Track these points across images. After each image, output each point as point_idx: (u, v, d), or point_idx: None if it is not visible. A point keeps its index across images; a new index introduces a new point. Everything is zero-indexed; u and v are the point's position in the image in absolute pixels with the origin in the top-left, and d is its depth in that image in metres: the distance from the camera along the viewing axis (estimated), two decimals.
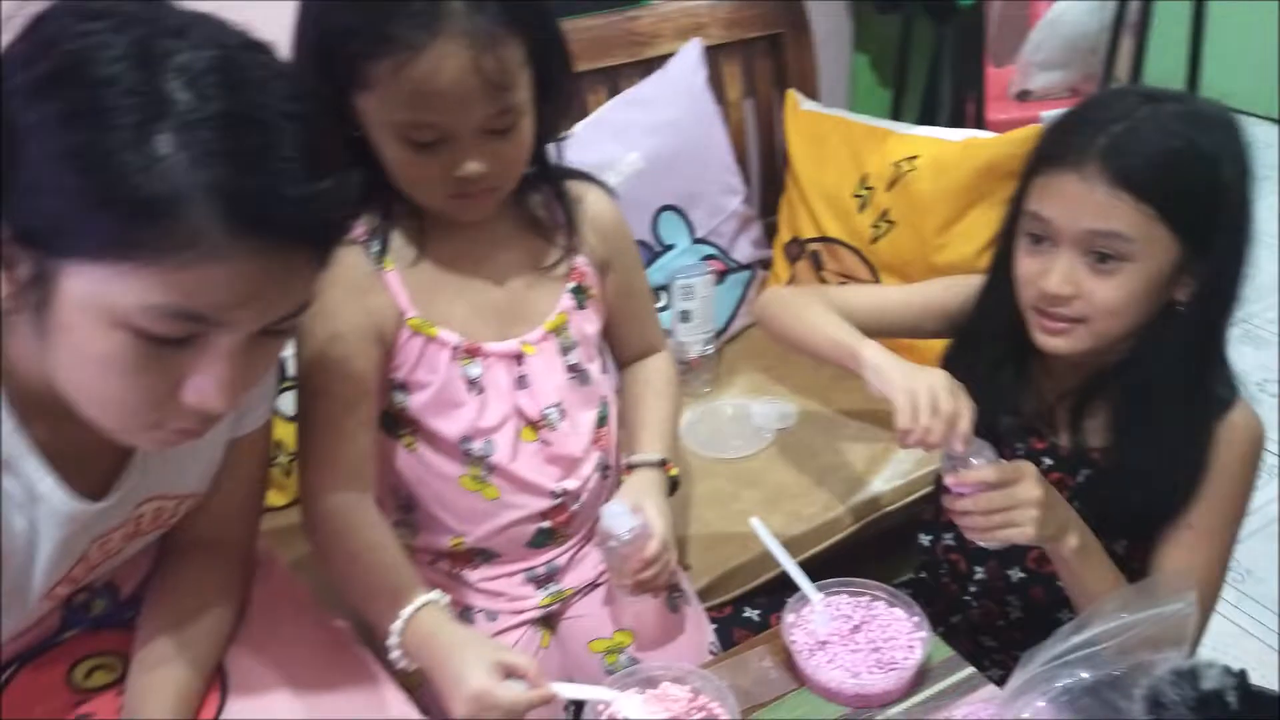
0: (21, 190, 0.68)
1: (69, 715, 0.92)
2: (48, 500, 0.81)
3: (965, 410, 1.05)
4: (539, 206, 1.14)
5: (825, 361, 1.24)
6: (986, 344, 1.18)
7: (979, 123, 2.10)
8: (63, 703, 0.92)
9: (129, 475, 0.87)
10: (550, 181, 1.13)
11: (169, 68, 0.66)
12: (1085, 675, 0.79)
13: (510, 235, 1.13)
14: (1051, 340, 1.07)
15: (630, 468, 1.19)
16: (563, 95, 1.07)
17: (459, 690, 0.91)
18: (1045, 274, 1.04)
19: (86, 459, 0.84)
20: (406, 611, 0.97)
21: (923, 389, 1.04)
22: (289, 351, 1.36)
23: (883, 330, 1.37)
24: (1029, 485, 1.01)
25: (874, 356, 1.13)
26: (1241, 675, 0.68)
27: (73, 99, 0.66)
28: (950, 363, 1.24)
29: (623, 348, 1.27)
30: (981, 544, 1.06)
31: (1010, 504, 1.01)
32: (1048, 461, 1.17)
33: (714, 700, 0.99)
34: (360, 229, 1.06)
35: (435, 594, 1.00)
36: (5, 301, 0.72)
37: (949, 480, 1.05)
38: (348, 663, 0.99)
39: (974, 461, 1.03)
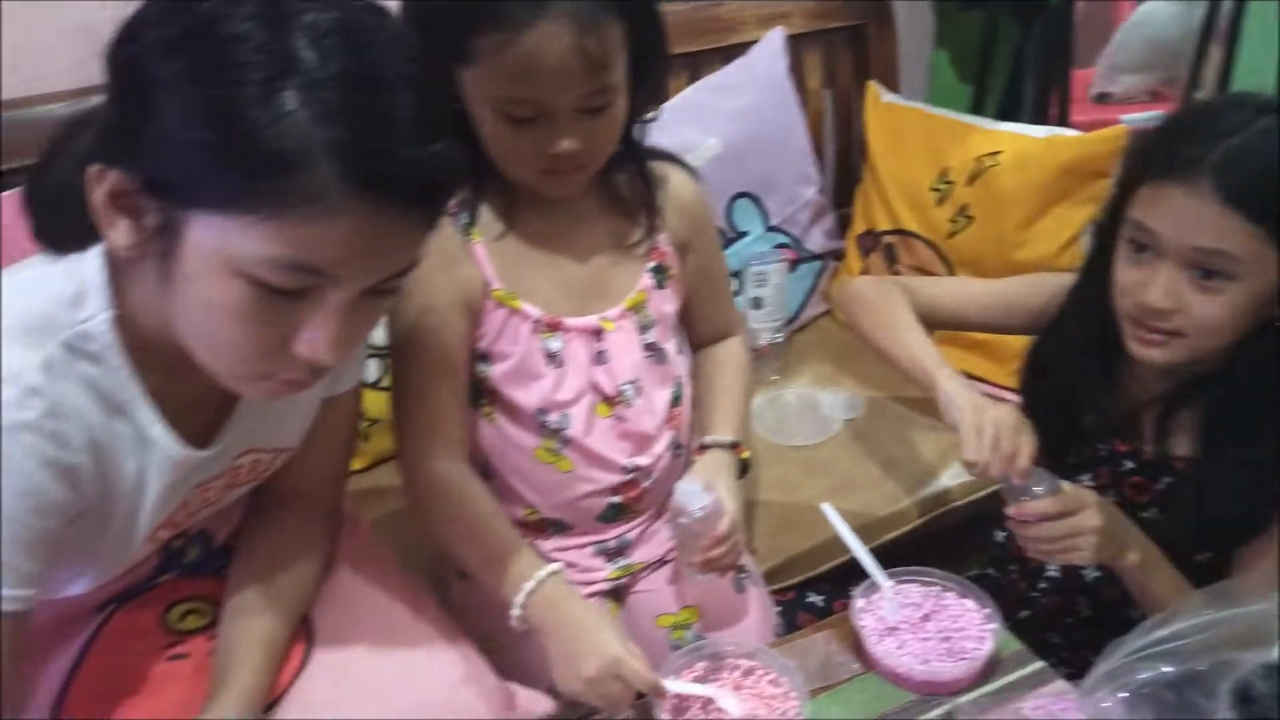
0: (152, 143, 0.70)
1: (163, 655, 0.95)
2: (157, 446, 0.84)
3: (1025, 449, 1.07)
4: (624, 186, 1.15)
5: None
6: (1074, 343, 1.17)
7: (1063, 122, 2.08)
8: (157, 643, 0.96)
9: (231, 426, 0.90)
10: (636, 161, 1.15)
11: (296, 27, 0.69)
12: (1167, 670, 0.79)
13: (595, 213, 1.14)
14: (1146, 350, 1.06)
15: (702, 448, 1.20)
16: (655, 78, 1.08)
17: (595, 651, 0.95)
18: (1146, 286, 1.03)
19: (194, 409, 0.87)
20: (541, 574, 1.01)
21: (988, 425, 1.08)
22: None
23: (964, 324, 1.36)
24: (1089, 515, 1.03)
25: (949, 388, 1.16)
26: None
27: (204, 55, 0.68)
28: (1035, 359, 1.24)
29: (698, 330, 1.28)
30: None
31: (1070, 532, 1.03)
32: (1130, 465, 1.16)
33: (782, 677, 1.00)
34: (450, 201, 1.08)
35: (558, 565, 1.03)
36: (131, 249, 0.75)
37: (1010, 510, 1.07)
38: (428, 621, 1.02)
39: (1035, 490, 1.05)
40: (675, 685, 0.98)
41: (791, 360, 1.83)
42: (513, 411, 1.13)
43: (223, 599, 0.98)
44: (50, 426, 0.76)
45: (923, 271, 1.80)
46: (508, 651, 1.13)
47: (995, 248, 1.67)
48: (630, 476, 1.17)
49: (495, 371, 1.11)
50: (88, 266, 0.80)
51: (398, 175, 0.71)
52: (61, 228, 0.80)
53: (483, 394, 1.14)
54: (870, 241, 1.90)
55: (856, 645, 1.07)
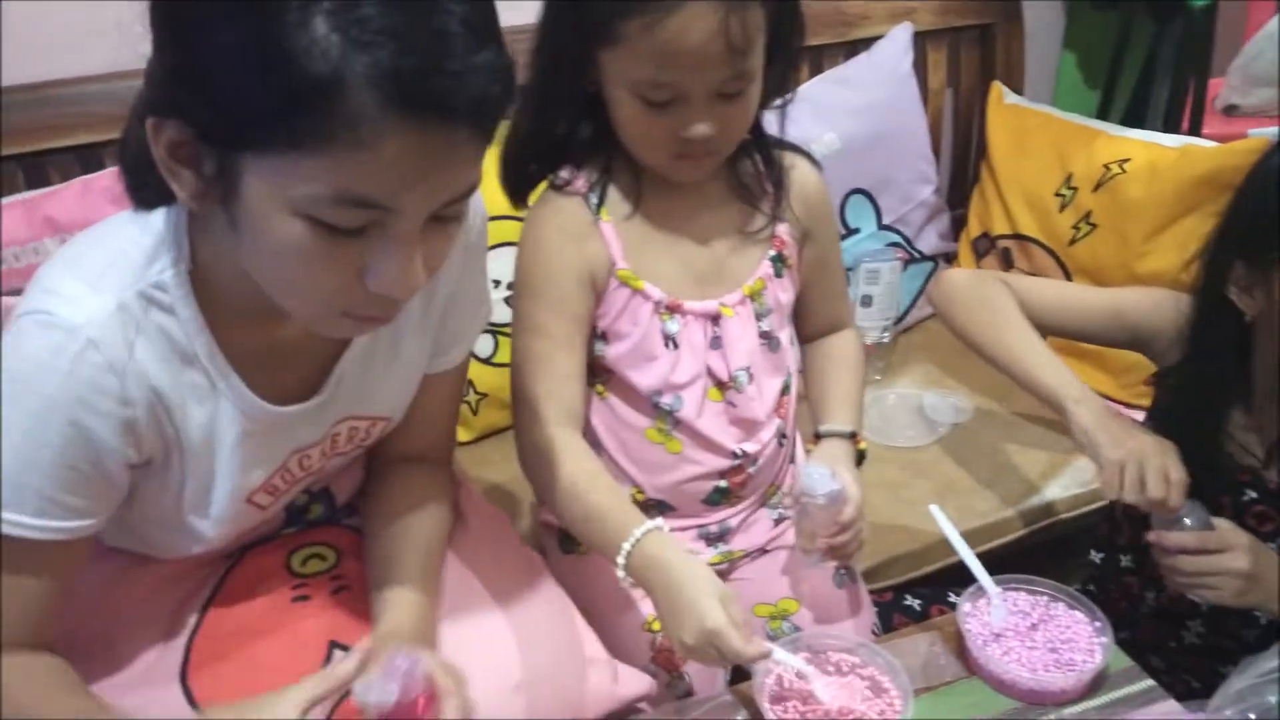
0: (198, 87, 0.69)
1: (287, 595, 0.99)
2: (228, 397, 0.85)
3: (1174, 491, 1.04)
4: (749, 173, 1.16)
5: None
6: (1201, 377, 1.14)
7: (1194, 132, 2.01)
8: (282, 582, 1.00)
9: (326, 390, 0.92)
10: (763, 149, 1.15)
11: None
12: None
13: (719, 198, 1.15)
14: None
15: (819, 437, 1.20)
16: (790, 64, 1.08)
17: (693, 619, 0.93)
18: None
19: (278, 368, 0.88)
20: (639, 532, 0.99)
21: (1131, 465, 1.05)
22: (497, 295, 1.42)
23: (1062, 331, 1.33)
24: (1235, 557, 1.01)
25: (1082, 416, 1.14)
26: None
27: None
28: (1161, 384, 1.21)
29: (810, 321, 1.28)
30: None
31: (1210, 571, 1.01)
32: (1252, 494, 1.12)
33: (884, 674, 1.00)
34: (581, 181, 1.10)
35: (660, 521, 1.02)
36: (196, 200, 0.74)
37: (1152, 536, 1.05)
38: (542, 588, 1.04)
39: (1185, 521, 1.03)
40: (780, 654, 0.96)
41: (895, 361, 1.81)
42: (626, 391, 1.14)
43: (362, 550, 1.01)
44: (108, 382, 0.77)
45: (1039, 277, 1.76)
46: (603, 627, 1.14)
47: (1118, 258, 1.64)
48: (737, 462, 1.18)
49: (612, 351, 1.13)
50: (164, 220, 0.81)
51: (441, 94, 0.67)
52: (146, 186, 0.80)
53: (597, 372, 1.15)
54: (985, 245, 1.87)
55: (959, 648, 1.06)
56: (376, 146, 0.67)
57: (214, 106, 0.68)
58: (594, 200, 1.10)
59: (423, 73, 0.66)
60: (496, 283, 1.49)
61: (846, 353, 1.27)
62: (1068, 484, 1.52)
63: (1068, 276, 1.72)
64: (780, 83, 1.10)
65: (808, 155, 1.21)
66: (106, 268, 0.79)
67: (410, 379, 1.00)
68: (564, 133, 1.10)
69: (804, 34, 1.08)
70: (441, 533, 1.04)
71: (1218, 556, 1.00)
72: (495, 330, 1.51)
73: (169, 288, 0.80)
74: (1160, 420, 1.19)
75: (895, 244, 1.85)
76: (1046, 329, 1.32)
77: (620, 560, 1.00)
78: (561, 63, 1.04)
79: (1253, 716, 0.77)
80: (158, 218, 0.81)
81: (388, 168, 0.68)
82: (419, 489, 1.05)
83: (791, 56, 1.08)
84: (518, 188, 1.14)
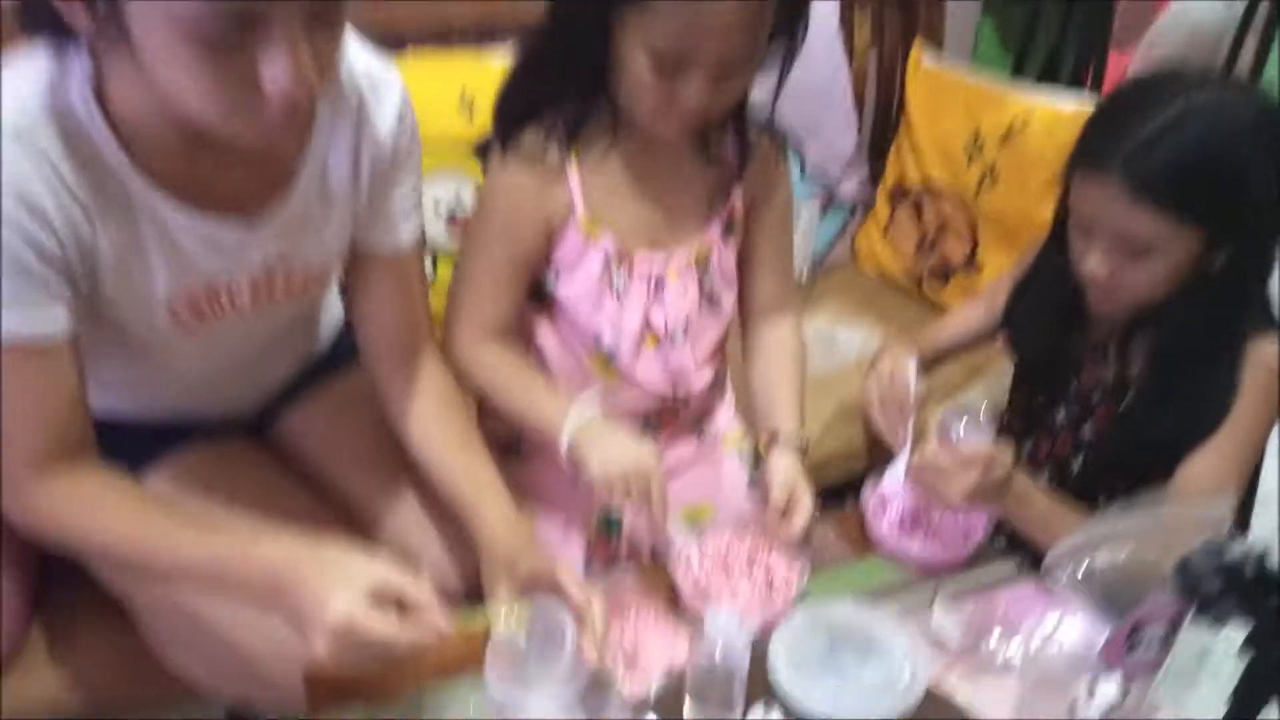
0: None
1: None
2: (146, 199, 0.90)
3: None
4: (716, 137, 1.20)
5: None
6: (1044, 293, 1.27)
7: (1097, 92, 2.16)
8: None
9: (255, 228, 0.97)
10: (739, 118, 1.19)
11: None
12: (1119, 557, 0.89)
13: (685, 159, 1.19)
14: (1098, 307, 1.18)
15: (771, 443, 1.23)
16: (794, 42, 1.09)
17: (621, 458, 1.11)
18: (1085, 258, 1.12)
19: (211, 195, 0.94)
20: (570, 425, 1.13)
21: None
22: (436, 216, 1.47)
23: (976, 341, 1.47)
24: (959, 482, 1.09)
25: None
26: (1261, 555, 0.78)
27: None
28: (1011, 306, 1.34)
29: (753, 295, 1.31)
30: None
31: (939, 483, 1.11)
32: (1097, 395, 1.25)
33: (781, 555, 1.12)
34: (559, 125, 1.13)
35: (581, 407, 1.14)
36: (91, 31, 0.78)
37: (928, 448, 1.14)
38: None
39: (958, 435, 1.14)
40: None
41: (809, 302, 1.92)
42: (572, 325, 1.22)
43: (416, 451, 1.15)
44: (38, 170, 0.82)
45: (945, 226, 1.92)
46: (547, 526, 1.26)
47: (1018, 205, 1.79)
48: (668, 405, 1.27)
49: (561, 290, 1.20)
50: (72, 49, 0.84)
51: None
52: (41, 14, 0.81)
53: (545, 300, 1.22)
54: (900, 195, 2.00)
55: (858, 533, 1.19)
56: None
57: None
58: (566, 145, 1.14)
59: None
60: (438, 203, 1.56)
61: (793, 347, 1.32)
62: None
63: (975, 223, 1.88)
64: (785, 60, 1.11)
65: (779, 135, 1.25)
66: (19, 83, 0.83)
67: (337, 238, 1.06)
68: (564, 82, 1.12)
69: (807, 13, 1.08)
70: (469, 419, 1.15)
71: (949, 477, 1.09)
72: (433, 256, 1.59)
73: (80, 110, 0.84)
74: (1016, 337, 1.35)
75: (816, 193, 1.96)
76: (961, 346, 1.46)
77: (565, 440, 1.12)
78: (584, 16, 1.05)
79: (1078, 578, 0.89)
80: (67, 46, 0.84)
81: None
82: (434, 396, 1.15)
83: (796, 35, 1.09)
84: (508, 129, 1.15)
